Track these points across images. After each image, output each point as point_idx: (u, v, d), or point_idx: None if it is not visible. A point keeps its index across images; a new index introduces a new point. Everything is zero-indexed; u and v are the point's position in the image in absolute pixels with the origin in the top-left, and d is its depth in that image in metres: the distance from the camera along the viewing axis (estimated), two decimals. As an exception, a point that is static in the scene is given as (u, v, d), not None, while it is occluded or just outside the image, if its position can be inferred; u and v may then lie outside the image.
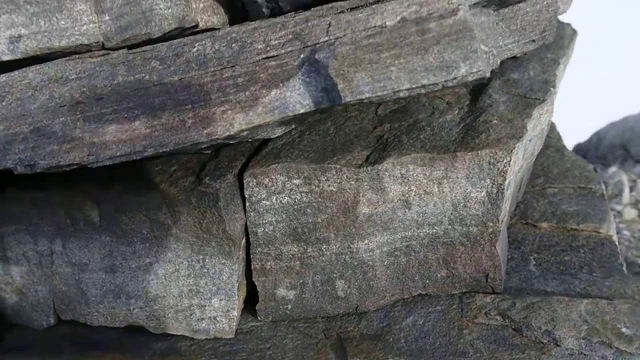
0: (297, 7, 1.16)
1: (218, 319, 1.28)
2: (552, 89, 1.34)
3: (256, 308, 1.31)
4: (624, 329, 1.08)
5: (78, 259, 1.35)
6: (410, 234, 1.23)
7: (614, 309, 1.13)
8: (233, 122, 0.93)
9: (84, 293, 1.37)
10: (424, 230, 1.22)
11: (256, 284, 1.30)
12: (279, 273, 1.28)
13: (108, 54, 1.06)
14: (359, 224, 1.20)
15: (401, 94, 0.85)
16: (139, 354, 1.29)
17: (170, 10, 1.14)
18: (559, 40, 1.61)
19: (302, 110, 0.91)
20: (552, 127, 2.02)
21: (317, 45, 0.89)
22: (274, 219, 1.23)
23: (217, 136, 0.93)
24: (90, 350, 1.33)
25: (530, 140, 1.38)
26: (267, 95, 0.91)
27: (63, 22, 1.13)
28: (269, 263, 1.27)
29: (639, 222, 8.06)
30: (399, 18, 0.87)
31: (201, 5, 1.23)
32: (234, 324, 1.28)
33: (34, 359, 1.33)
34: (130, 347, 1.32)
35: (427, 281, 1.26)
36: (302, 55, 0.90)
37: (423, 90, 0.85)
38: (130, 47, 1.14)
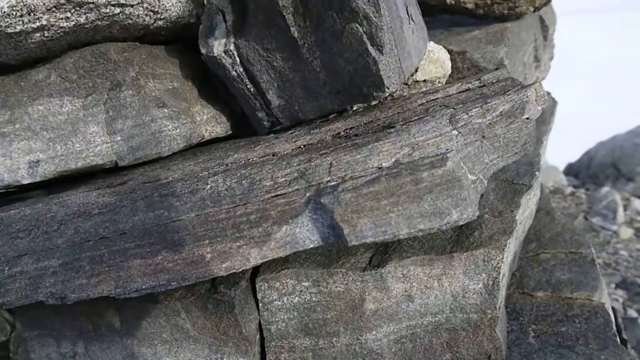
0: (295, 122, 1.27)
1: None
2: (536, 172, 1.44)
3: (274, 396, 1.38)
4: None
5: (100, 360, 1.42)
6: (414, 322, 1.31)
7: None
8: (249, 257, 1.01)
9: (108, 386, 1.44)
10: (427, 319, 1.30)
11: (272, 380, 1.37)
12: (292, 367, 1.35)
13: (125, 182, 1.15)
14: (366, 318, 1.28)
15: (401, 237, 0.94)
16: None
17: (178, 130, 1.24)
18: (541, 115, 1.71)
19: (311, 245, 1.00)
20: (540, 189, 2.11)
21: (321, 185, 0.99)
22: (286, 316, 1.31)
23: (234, 270, 1.01)
24: None
25: (520, 223, 1.48)
26: (278, 232, 1.00)
27: (78, 145, 1.22)
28: (283, 355, 1.35)
29: (636, 242, 8.16)
30: (393, 160, 0.97)
31: (205, 117, 1.34)
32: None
33: None
34: None
35: (433, 365, 1.33)
36: (307, 194, 0.99)
37: (420, 233, 0.94)
38: (142, 164, 1.23)
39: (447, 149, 0.96)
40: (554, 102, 1.93)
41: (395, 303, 1.28)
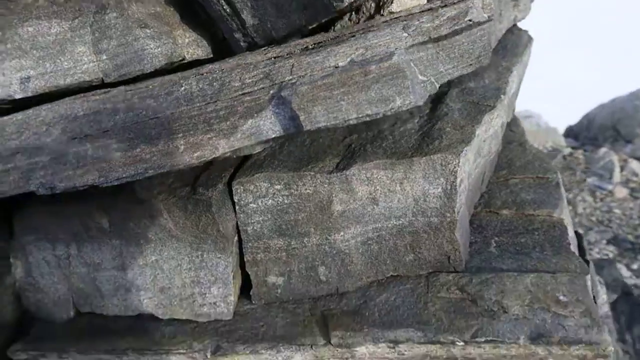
0: (270, 42, 1.35)
1: (217, 304, 1.47)
2: (502, 95, 1.52)
3: (250, 293, 1.50)
4: (561, 297, 1.27)
5: (92, 260, 1.54)
6: (379, 225, 1.41)
7: (555, 280, 1.32)
8: (218, 147, 1.12)
9: (98, 289, 1.56)
10: (392, 222, 1.41)
11: (249, 273, 1.49)
12: (268, 263, 1.47)
13: (109, 91, 1.25)
14: (334, 219, 1.39)
15: (350, 122, 1.05)
16: (150, 336, 1.49)
17: (159, 49, 1.33)
18: (514, 48, 1.79)
19: (273, 135, 1.12)
20: (516, 123, 2.20)
21: (283, 83, 1.09)
22: (260, 218, 1.42)
23: (205, 158, 1.12)
24: (108, 335, 1.53)
25: (484, 141, 1.57)
26: (244, 124, 1.11)
27: (66, 63, 1.31)
28: (259, 255, 1.46)
29: (630, 201, 8.25)
30: (348, 60, 1.06)
31: (187, 40, 1.42)
32: (232, 307, 1.47)
33: (58, 346, 1.53)
34: (142, 331, 1.51)
35: (397, 264, 1.44)
36: (271, 92, 1.09)
37: (368, 118, 1.04)
38: (126, 82, 1.32)
39: (396, 48, 1.04)
40: (529, 38, 2.00)
41: (361, 205, 1.38)
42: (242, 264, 1.51)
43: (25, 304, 1.67)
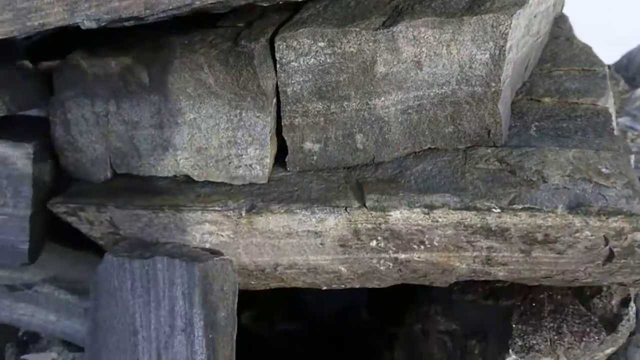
0: None
1: (253, 166, 1.48)
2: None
3: (286, 160, 1.51)
4: (603, 169, 1.25)
5: (130, 118, 1.55)
6: (421, 93, 1.39)
7: (598, 155, 1.30)
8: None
9: (136, 148, 1.58)
10: (434, 90, 1.38)
11: (286, 139, 1.49)
12: (305, 129, 1.46)
13: None
14: (376, 82, 1.36)
15: None
16: (186, 195, 1.52)
17: None
18: None
19: None
20: (564, 20, 2.10)
21: None
22: (301, 79, 1.39)
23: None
24: (144, 194, 1.56)
25: (535, 17, 1.51)
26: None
27: None
28: (297, 120, 1.45)
29: (660, 143, 8.07)
30: None
31: None
32: (267, 170, 1.48)
33: (96, 200, 1.57)
34: (177, 191, 1.54)
35: (436, 136, 1.43)
36: None
37: None
38: None
39: None
40: None
41: (405, 69, 1.35)
42: (278, 131, 1.51)
43: (64, 164, 1.70)
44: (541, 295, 1.66)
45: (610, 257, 1.29)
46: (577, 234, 1.26)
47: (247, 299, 1.69)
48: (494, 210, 1.27)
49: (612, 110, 1.59)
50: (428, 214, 1.33)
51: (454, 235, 1.36)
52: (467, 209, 1.29)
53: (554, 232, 1.28)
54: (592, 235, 1.26)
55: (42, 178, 1.65)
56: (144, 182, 1.62)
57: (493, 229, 1.31)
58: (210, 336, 1.44)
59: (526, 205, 1.25)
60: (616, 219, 1.20)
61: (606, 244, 1.27)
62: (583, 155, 1.30)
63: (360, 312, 2.89)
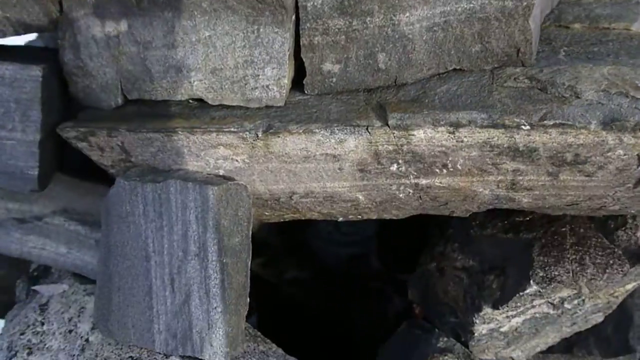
0: None
1: (270, 87, 1.42)
2: None
3: (304, 82, 1.45)
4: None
5: (142, 38, 1.49)
6: (448, 9, 1.32)
7: (635, 72, 1.24)
8: None
9: (148, 70, 1.52)
10: (462, 5, 1.31)
11: (304, 59, 1.42)
12: (325, 48, 1.40)
13: None
14: (402, -5, 1.30)
15: None
16: (200, 118, 1.47)
17: None
18: None
19: None
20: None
21: None
22: (322, -9, 1.33)
23: None
24: (156, 118, 1.51)
25: None
26: None
27: None
28: (316, 38, 1.39)
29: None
30: None
31: None
32: (285, 91, 1.42)
33: (108, 125, 1.52)
34: (191, 115, 1.49)
35: (462, 55, 1.36)
36: None
37: None
38: None
39: None
40: None
41: (433, -20, 1.28)
42: (295, 52, 1.45)
43: (73, 91, 1.65)
44: (563, 229, 1.62)
45: (642, 179, 1.25)
46: (609, 153, 1.21)
47: (257, 246, 1.64)
48: (523, 127, 1.21)
49: (645, 35, 1.52)
50: (453, 133, 1.28)
51: (479, 157, 1.31)
52: (495, 126, 1.23)
53: (584, 152, 1.23)
54: (625, 155, 1.21)
55: (51, 102, 1.60)
56: (157, 106, 1.57)
57: (521, 149, 1.26)
58: (224, 261, 1.41)
59: (558, 122, 1.19)
60: (652, 135, 1.15)
61: (639, 165, 1.21)
62: (619, 71, 1.24)
63: (370, 261, 2.87)
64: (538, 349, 2.05)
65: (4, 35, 1.58)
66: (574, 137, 1.20)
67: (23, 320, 1.72)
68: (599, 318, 2.00)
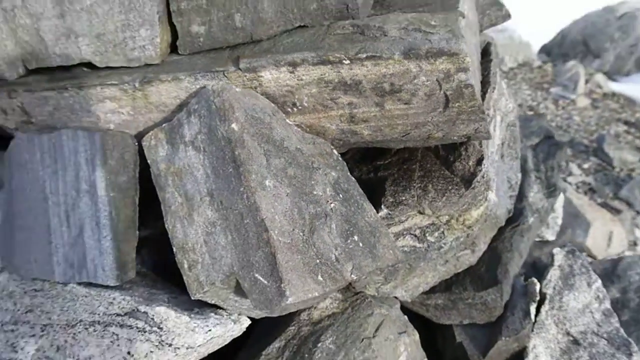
0: None
1: (146, 47, 1.67)
2: None
3: (177, 44, 1.71)
4: (432, 22, 1.49)
5: (35, 10, 1.72)
6: (288, -27, 1.61)
7: (432, 16, 1.54)
8: None
9: (42, 40, 1.75)
10: (298, -30, 1.60)
11: (175, 24, 1.68)
12: (191, 13, 1.66)
13: None
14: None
15: None
16: (88, 77, 1.70)
17: None
18: None
19: None
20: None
21: None
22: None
23: None
24: (51, 80, 1.74)
25: None
26: None
27: None
28: (183, 4, 1.65)
29: (590, 110, 8.58)
30: None
31: None
32: (158, 50, 1.67)
33: (7, 88, 1.74)
34: (81, 75, 1.73)
35: (303, 13, 1.64)
36: None
37: None
38: None
39: None
40: None
41: (270, -51, 1.57)
42: (170, 19, 1.70)
43: (-21, 66, 1.85)
44: (413, 166, 1.91)
45: (447, 102, 1.54)
46: (416, 80, 1.50)
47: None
48: (344, 62, 1.50)
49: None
50: (293, 72, 1.55)
51: (319, 94, 1.59)
52: (323, 62, 1.51)
53: (397, 81, 1.51)
54: (427, 80, 1.50)
55: (-43, 73, 1.80)
56: (53, 73, 1.79)
57: (348, 82, 1.54)
58: (112, 195, 1.63)
59: (369, 54, 1.48)
60: (442, 60, 1.45)
61: (440, 89, 1.51)
62: (419, 16, 1.54)
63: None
64: (420, 289, 2.31)
65: None
66: (384, 67, 1.49)
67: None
68: (470, 258, 2.28)
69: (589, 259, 3.76)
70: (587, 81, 9.06)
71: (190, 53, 1.71)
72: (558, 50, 10.56)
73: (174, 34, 1.74)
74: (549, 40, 11.26)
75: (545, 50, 11.15)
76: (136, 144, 1.72)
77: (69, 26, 1.70)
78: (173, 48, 1.76)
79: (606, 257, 4.23)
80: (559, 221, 2.97)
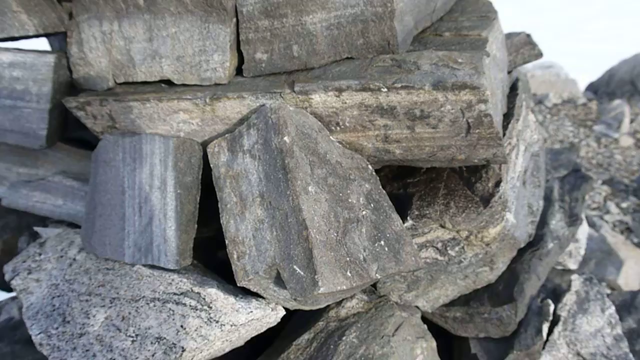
0: None
1: (217, 69, 1.99)
2: None
3: (242, 68, 2.02)
4: (459, 60, 1.75)
5: (128, 34, 2.07)
6: (340, 13, 1.90)
7: (460, 54, 1.79)
8: None
9: (132, 59, 2.10)
10: (349, 11, 1.89)
11: (243, 51, 2.00)
12: (257, 42, 1.97)
13: None
14: (306, 3, 1.88)
15: None
16: (167, 92, 2.02)
17: None
18: None
19: None
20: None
21: None
22: (252, 1, 1.91)
23: None
24: (136, 93, 2.07)
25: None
26: None
27: None
28: (250, 34, 1.97)
29: (633, 149, 8.59)
30: None
31: None
32: (227, 72, 1.99)
33: (99, 97, 2.08)
34: (161, 90, 2.05)
35: (351, 47, 1.93)
36: None
37: None
38: None
39: None
40: None
41: (326, -7, 1.87)
42: (238, 46, 2.02)
43: (76, 78, 2.22)
44: (439, 185, 2.15)
45: (468, 128, 1.78)
46: (442, 108, 1.76)
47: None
48: (382, 90, 1.77)
49: (492, 39, 2.09)
50: (338, 96, 1.83)
51: (359, 116, 1.86)
52: (364, 89, 1.79)
53: (426, 108, 1.77)
54: (452, 109, 1.75)
55: (60, 82, 2.17)
56: (137, 86, 2.13)
57: (385, 107, 1.81)
58: (179, 192, 1.93)
59: (404, 84, 1.74)
60: (465, 92, 1.70)
61: (463, 116, 1.76)
62: (449, 53, 1.80)
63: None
64: (441, 301, 2.52)
65: (27, 33, 2.16)
66: (416, 96, 1.75)
67: (25, 253, 2.22)
68: (489, 275, 2.49)
69: (609, 290, 3.86)
70: (632, 120, 9.05)
71: (252, 76, 2.02)
72: (605, 88, 10.57)
73: (240, 59, 2.05)
74: (596, 78, 11.28)
75: (592, 88, 11.16)
76: (201, 149, 2.02)
77: (155, 49, 2.04)
78: (238, 71, 2.07)
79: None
80: (582, 251, 3.12)
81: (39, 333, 1.84)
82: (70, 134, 2.43)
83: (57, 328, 1.85)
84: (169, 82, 2.10)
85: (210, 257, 2.44)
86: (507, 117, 2.23)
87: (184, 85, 2.07)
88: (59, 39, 2.51)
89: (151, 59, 2.06)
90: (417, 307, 2.48)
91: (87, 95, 2.13)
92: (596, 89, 10.85)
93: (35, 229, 2.30)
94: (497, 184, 2.03)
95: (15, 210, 2.49)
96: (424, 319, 2.53)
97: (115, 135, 2.05)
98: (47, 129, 2.15)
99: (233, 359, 2.36)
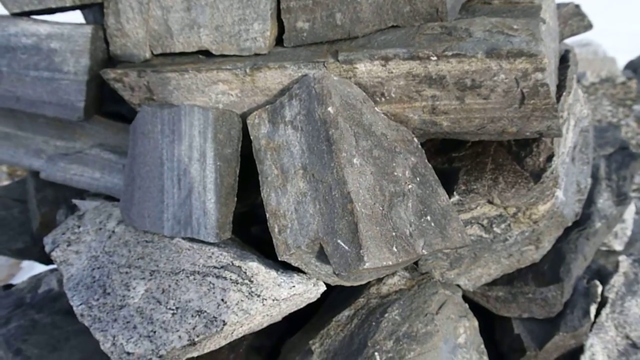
0: None
1: (257, 39, 1.93)
2: None
3: (283, 37, 1.95)
4: (515, 26, 1.65)
5: (166, 3, 2.02)
6: (386, -22, 1.81)
7: (515, 20, 1.70)
8: None
9: (169, 29, 2.05)
10: (395, -24, 1.80)
11: (283, 20, 1.93)
12: (298, 10, 1.90)
13: None
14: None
15: None
16: (205, 62, 1.97)
17: None
18: None
19: None
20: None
21: None
22: (295, -35, 1.84)
23: None
24: (174, 64, 2.03)
25: None
26: None
27: None
28: (292, 3, 1.90)
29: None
30: None
31: None
32: (268, 42, 1.92)
33: (136, 68, 2.04)
34: (199, 61, 2.00)
35: (397, 15, 1.84)
36: None
37: None
38: None
39: None
40: None
41: (372, -43, 1.78)
42: (278, 15, 1.95)
43: (112, 50, 2.18)
44: (486, 159, 2.07)
45: (522, 99, 1.69)
46: (495, 77, 1.67)
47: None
48: (432, 58, 1.68)
49: (545, 6, 1.97)
50: (385, 65, 1.75)
51: (406, 86, 1.78)
52: (412, 58, 1.71)
53: (478, 77, 1.68)
54: (506, 78, 1.66)
55: (97, 54, 2.14)
56: (174, 57, 2.09)
57: (434, 77, 1.73)
58: (218, 164, 1.89)
59: (455, 52, 1.66)
60: (521, 60, 1.61)
61: (518, 86, 1.67)
62: (503, 20, 1.70)
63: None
64: (483, 280, 2.45)
65: (64, 4, 2.13)
66: (467, 64, 1.66)
67: (64, 226, 2.22)
68: (534, 254, 2.40)
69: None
70: (671, 101, 8.73)
71: (293, 46, 1.95)
72: (645, 68, 10.20)
73: (280, 29, 1.98)
74: (635, 56, 10.89)
75: (631, 66, 10.80)
76: (240, 121, 1.98)
77: (193, 18, 1.99)
78: (278, 41, 2.00)
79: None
80: (628, 232, 3.00)
81: (80, 304, 1.84)
82: (106, 108, 2.40)
83: (97, 299, 1.85)
84: (207, 53, 2.05)
85: (244, 233, 2.41)
86: (559, 89, 2.12)
87: (222, 55, 2.01)
88: (94, 12, 2.48)
89: (189, 29, 2.01)
90: (458, 285, 2.41)
91: (125, 66, 2.09)
92: (636, 68, 10.50)
93: (74, 201, 2.30)
94: (549, 158, 1.94)
95: (52, 183, 2.49)
96: (465, 298, 2.46)
97: (153, 106, 2.02)
98: (85, 101, 2.12)
99: (271, 334, 2.33)
